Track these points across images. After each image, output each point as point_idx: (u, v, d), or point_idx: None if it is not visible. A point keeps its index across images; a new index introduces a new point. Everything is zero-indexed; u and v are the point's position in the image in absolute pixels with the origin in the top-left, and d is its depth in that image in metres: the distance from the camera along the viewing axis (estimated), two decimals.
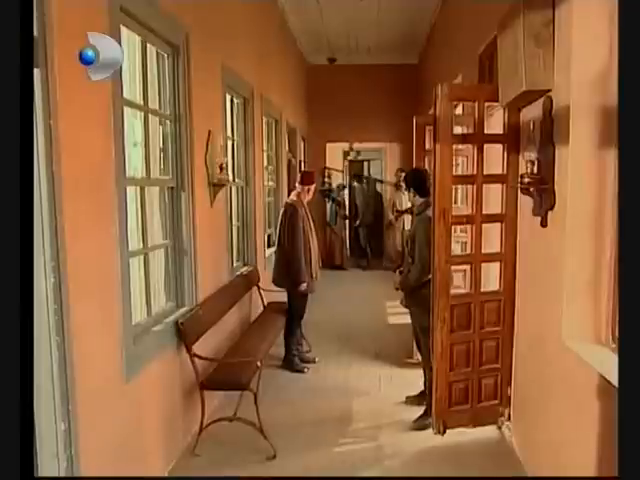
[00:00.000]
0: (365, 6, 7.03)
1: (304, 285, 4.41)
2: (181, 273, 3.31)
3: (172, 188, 3.22)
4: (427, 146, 4.40)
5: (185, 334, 3.05)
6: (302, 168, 8.79)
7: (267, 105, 5.79)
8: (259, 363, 3.22)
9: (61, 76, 1.89)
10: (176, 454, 3.08)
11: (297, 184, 4.69)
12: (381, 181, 9.87)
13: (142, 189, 2.89)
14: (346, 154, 9.95)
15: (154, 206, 3.15)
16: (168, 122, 3.16)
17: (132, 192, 2.82)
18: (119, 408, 2.41)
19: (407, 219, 8.61)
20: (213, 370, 3.29)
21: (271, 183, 6.51)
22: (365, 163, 10.86)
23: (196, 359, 3.11)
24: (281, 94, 6.77)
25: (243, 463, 3.05)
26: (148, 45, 2.91)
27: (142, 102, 2.87)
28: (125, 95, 2.60)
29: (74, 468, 2.02)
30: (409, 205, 8.79)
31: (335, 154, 9.87)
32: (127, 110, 2.74)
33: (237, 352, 3.64)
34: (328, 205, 9.72)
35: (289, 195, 4.96)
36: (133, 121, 2.94)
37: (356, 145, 9.81)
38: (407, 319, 3.94)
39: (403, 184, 3.68)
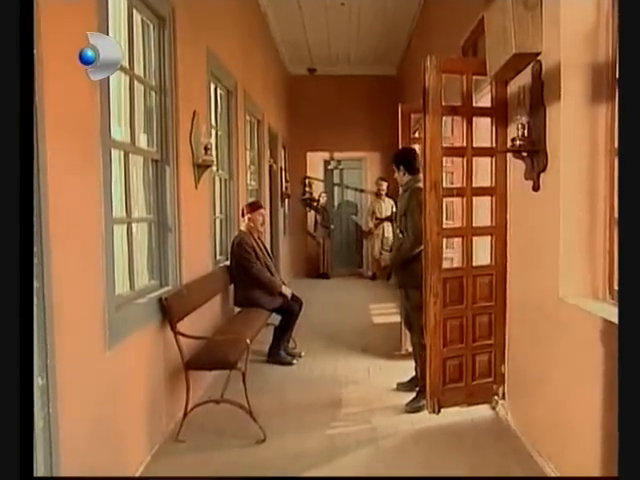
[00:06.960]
0: (345, 17, 7.15)
1: (284, 288, 4.47)
2: (165, 251, 3.18)
3: (156, 162, 3.13)
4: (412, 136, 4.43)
5: (169, 310, 2.91)
6: (283, 175, 8.73)
7: (250, 103, 5.77)
8: (248, 341, 3.09)
9: (43, 27, 1.77)
10: (159, 438, 2.90)
11: (242, 217, 4.63)
12: (362, 190, 9.88)
13: (126, 156, 2.78)
14: (327, 163, 9.96)
15: (138, 179, 3.04)
16: (153, 93, 3.09)
17: (116, 160, 2.71)
18: (100, 376, 2.24)
19: (387, 227, 8.61)
20: (199, 349, 3.14)
21: (254, 183, 6.43)
22: (338, 171, 10.64)
23: (181, 338, 2.96)
24: (263, 97, 6.77)
25: (231, 447, 2.89)
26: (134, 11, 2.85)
27: (128, 66, 2.78)
28: None
29: (51, 430, 1.86)
30: (388, 214, 8.86)
31: (316, 163, 9.88)
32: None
33: (225, 332, 3.48)
34: (309, 214, 9.68)
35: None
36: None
37: (337, 154, 9.85)
38: (392, 318, 3.85)
39: (394, 166, 3.65)
